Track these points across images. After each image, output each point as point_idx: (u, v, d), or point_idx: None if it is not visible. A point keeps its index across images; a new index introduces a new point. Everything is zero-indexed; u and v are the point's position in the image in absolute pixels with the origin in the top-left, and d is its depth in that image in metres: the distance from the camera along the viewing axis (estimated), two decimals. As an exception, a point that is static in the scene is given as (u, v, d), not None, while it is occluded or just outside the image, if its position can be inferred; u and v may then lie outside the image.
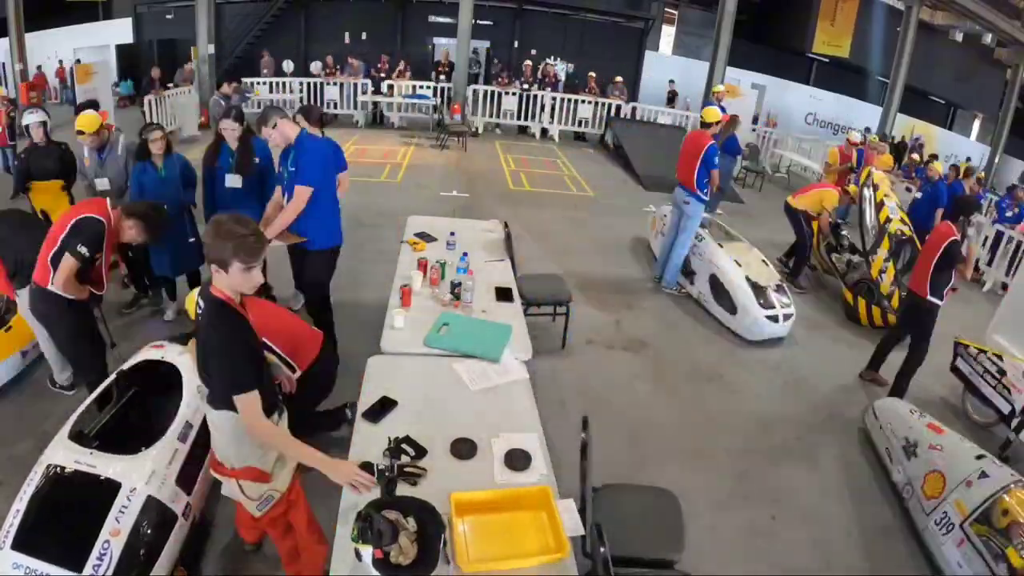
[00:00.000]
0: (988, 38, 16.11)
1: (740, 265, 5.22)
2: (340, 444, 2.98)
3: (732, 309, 5.09)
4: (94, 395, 2.71)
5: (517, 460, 2.14)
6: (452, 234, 4.02)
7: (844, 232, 6.55)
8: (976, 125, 18.34)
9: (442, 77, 12.82)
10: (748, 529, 3.13)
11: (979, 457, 3.05)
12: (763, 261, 5.42)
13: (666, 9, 18.13)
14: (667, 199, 8.03)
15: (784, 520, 3.22)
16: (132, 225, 3.13)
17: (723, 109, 9.55)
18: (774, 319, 4.95)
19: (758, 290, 5.00)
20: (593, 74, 13.19)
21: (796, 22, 17.31)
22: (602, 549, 1.84)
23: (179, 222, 4.08)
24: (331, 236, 3.68)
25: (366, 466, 2.01)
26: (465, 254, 3.57)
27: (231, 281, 1.86)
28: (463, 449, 2.18)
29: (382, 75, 12.61)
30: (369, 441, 2.18)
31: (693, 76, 12.41)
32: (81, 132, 4.19)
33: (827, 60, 17.76)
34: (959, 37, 17.15)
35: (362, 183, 8.29)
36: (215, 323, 1.88)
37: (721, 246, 5.46)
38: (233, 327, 1.90)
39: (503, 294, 3.42)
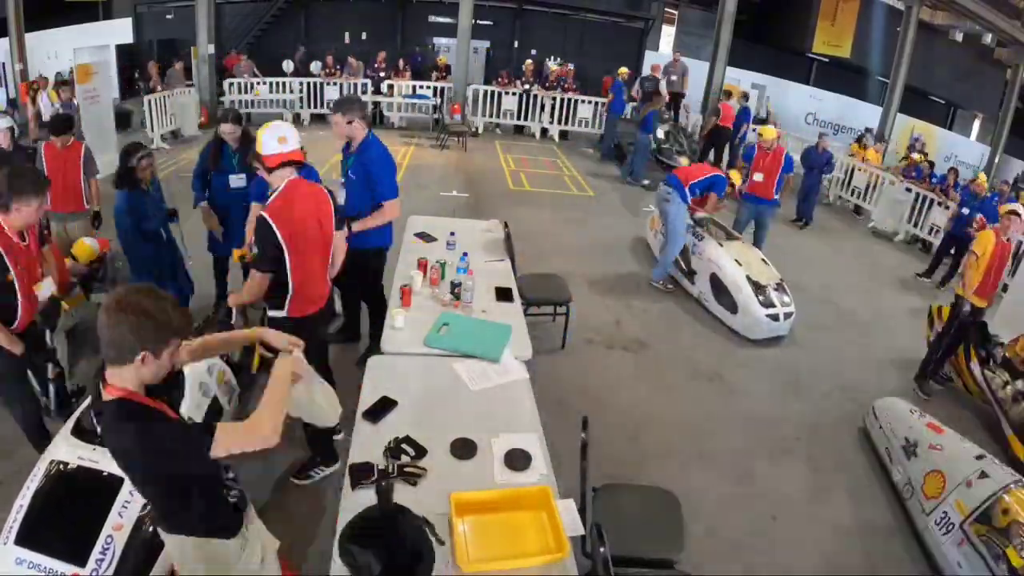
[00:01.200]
0: (988, 38, 16.08)
1: (740, 264, 5.23)
2: (341, 447, 2.99)
3: (733, 308, 5.10)
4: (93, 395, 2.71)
5: (517, 460, 2.14)
6: (452, 234, 4.02)
7: (999, 339, 4.61)
8: (976, 125, 18.32)
9: (437, 77, 12.82)
10: (748, 529, 3.13)
11: (979, 457, 3.05)
12: (763, 260, 5.43)
13: (666, 9, 18.11)
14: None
15: (784, 520, 3.22)
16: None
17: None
18: (775, 318, 4.95)
19: (759, 289, 5.01)
20: (556, 68, 13.02)
21: (796, 22, 17.30)
22: (602, 549, 1.85)
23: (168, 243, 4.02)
24: (383, 236, 3.79)
25: (365, 466, 2.01)
26: (465, 254, 3.57)
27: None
28: (463, 449, 2.18)
29: (380, 74, 12.58)
30: (370, 441, 2.18)
31: (693, 76, 12.36)
32: (74, 258, 3.88)
33: (827, 60, 17.75)
34: (959, 37, 17.12)
35: (362, 183, 8.29)
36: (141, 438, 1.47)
37: (721, 245, 5.47)
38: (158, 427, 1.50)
39: (503, 294, 3.42)
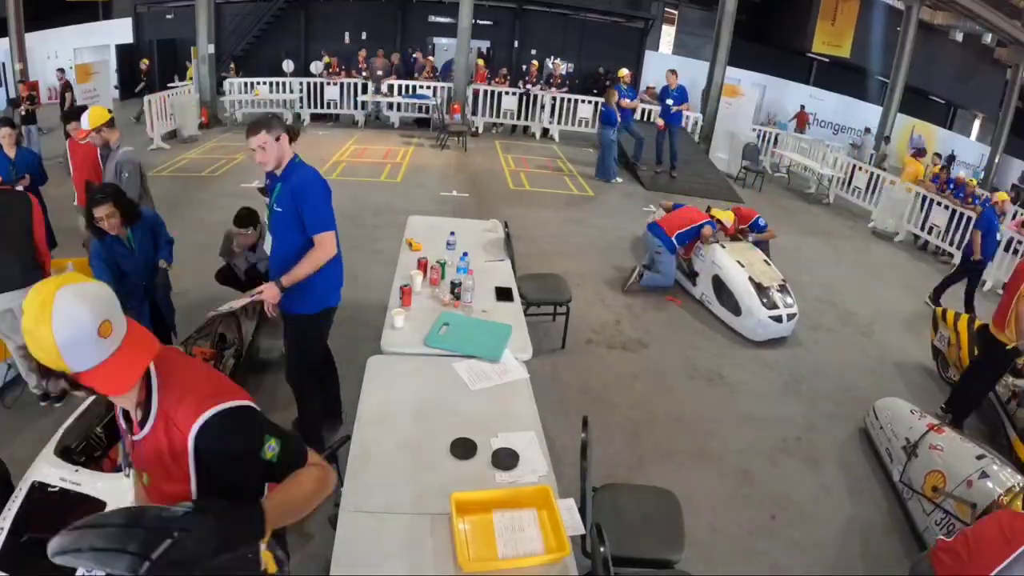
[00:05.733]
0: (988, 38, 16.09)
1: (743, 265, 5.21)
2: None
3: (736, 310, 5.09)
4: (80, 410, 2.66)
5: (504, 458, 2.13)
6: (452, 234, 4.02)
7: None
8: (976, 125, 18.34)
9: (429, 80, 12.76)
10: (748, 529, 3.13)
11: (979, 457, 3.05)
12: (765, 261, 5.41)
13: (666, 9, 18.11)
14: (667, 198, 8.05)
15: (784, 520, 3.22)
16: None
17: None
18: (778, 319, 4.94)
19: (761, 291, 4.99)
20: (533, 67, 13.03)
21: (796, 22, 17.31)
22: (602, 549, 1.84)
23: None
24: (324, 295, 2.97)
25: None
26: (465, 254, 3.57)
27: None
28: (463, 449, 2.18)
29: (364, 73, 12.49)
30: (371, 441, 2.18)
31: (693, 76, 12.39)
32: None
33: (827, 60, 17.76)
34: (959, 37, 17.13)
35: (362, 183, 8.31)
36: None
37: (723, 247, 5.45)
38: None
39: (503, 294, 3.42)
